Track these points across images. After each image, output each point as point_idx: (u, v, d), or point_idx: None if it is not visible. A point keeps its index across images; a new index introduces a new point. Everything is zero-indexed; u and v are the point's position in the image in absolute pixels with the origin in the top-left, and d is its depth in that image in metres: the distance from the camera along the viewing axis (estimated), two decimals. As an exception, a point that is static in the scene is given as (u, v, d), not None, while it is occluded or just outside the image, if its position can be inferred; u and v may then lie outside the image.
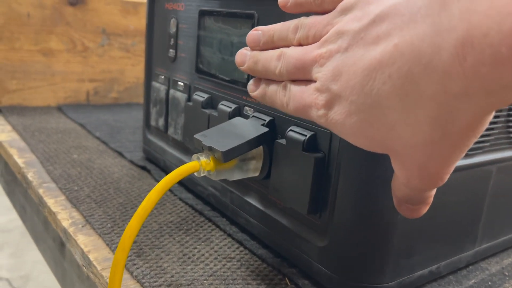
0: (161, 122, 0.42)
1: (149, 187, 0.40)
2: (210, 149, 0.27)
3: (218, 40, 0.33)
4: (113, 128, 0.57)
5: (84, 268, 0.30)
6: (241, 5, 0.31)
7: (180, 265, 0.28)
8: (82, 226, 0.33)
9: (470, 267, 0.31)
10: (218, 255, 0.30)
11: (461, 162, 0.26)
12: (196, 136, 0.28)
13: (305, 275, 0.28)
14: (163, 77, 0.41)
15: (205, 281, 0.27)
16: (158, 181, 0.41)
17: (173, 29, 0.39)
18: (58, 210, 0.35)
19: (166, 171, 0.42)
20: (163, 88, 0.41)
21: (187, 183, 0.39)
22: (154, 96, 0.43)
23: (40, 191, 0.38)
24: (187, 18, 0.37)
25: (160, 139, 0.43)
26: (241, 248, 0.31)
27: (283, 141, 0.27)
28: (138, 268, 0.28)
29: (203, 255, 0.30)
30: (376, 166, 0.24)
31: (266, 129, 0.28)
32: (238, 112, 0.32)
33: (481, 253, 0.31)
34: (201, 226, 0.34)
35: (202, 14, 0.35)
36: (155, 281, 0.26)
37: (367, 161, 0.24)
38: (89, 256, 0.29)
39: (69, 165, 0.43)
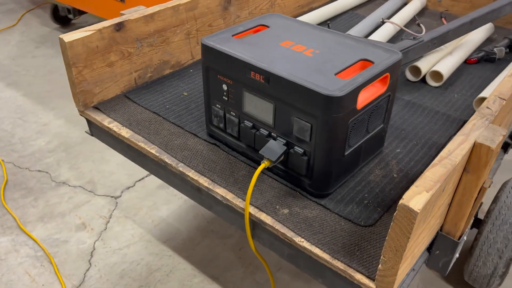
0: (221, 125, 0.89)
1: (226, 160, 0.89)
2: (268, 159, 0.76)
3: (255, 101, 0.79)
4: (173, 112, 1.01)
5: (223, 201, 0.81)
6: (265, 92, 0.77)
7: (261, 195, 0.81)
8: (214, 184, 0.83)
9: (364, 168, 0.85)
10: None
11: (352, 147, 0.78)
12: (260, 152, 0.77)
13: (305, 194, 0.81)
14: (220, 106, 0.87)
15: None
16: (225, 152, 0.90)
17: (225, 88, 0.83)
18: (196, 178, 0.84)
19: (228, 146, 0.90)
20: (221, 111, 0.87)
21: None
22: (214, 113, 0.88)
23: (180, 169, 0.86)
24: (234, 87, 0.82)
25: (220, 131, 0.90)
26: (283, 184, 0.83)
27: (292, 151, 0.77)
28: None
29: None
30: (328, 154, 0.75)
31: (285, 148, 0.77)
32: (269, 135, 0.80)
33: (364, 165, 0.85)
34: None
35: (245, 92, 0.80)
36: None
37: (327, 147, 0.74)
38: (227, 197, 0.80)
39: (178, 149, 0.90)
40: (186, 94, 1.08)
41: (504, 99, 0.76)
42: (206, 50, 0.83)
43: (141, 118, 1.00)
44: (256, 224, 0.79)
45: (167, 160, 0.88)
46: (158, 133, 0.95)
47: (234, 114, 0.85)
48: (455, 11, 1.53)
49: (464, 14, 1.52)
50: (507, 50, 1.25)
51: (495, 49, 1.23)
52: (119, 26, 1.02)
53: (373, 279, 0.66)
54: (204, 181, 0.84)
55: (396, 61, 0.77)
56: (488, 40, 1.36)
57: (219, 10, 1.24)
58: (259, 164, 0.86)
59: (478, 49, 1.28)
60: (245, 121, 0.83)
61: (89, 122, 1.05)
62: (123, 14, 1.07)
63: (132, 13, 1.05)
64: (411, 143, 0.93)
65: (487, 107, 0.74)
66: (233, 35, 0.86)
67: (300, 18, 1.39)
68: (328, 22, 1.27)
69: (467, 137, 0.67)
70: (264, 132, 0.81)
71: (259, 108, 0.79)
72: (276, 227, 0.74)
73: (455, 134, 0.96)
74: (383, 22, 1.39)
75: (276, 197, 0.80)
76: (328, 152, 0.74)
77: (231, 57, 0.78)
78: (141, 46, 1.08)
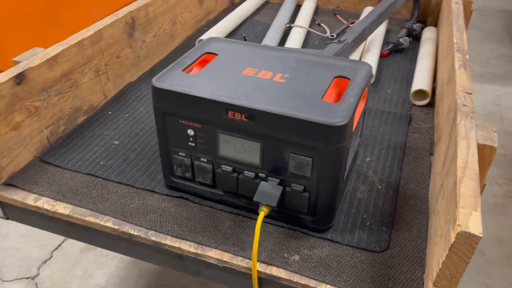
0: (188, 175, 0.76)
1: (202, 214, 0.76)
2: (266, 204, 0.67)
3: (234, 141, 0.69)
4: (111, 168, 0.85)
5: (219, 265, 0.69)
6: (248, 134, 0.67)
7: (260, 246, 0.71)
8: (202, 247, 0.70)
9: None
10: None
11: (347, 171, 0.72)
12: (255, 199, 0.67)
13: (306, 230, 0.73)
14: (184, 154, 0.74)
15: (275, 248, 0.70)
16: (198, 203, 0.77)
17: (191, 134, 0.71)
18: (178, 245, 0.70)
19: (199, 196, 0.78)
20: (187, 160, 0.74)
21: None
22: (178, 163, 0.75)
23: (153, 238, 0.71)
24: (205, 131, 0.70)
25: (186, 181, 0.77)
26: (279, 226, 0.74)
27: (289, 189, 0.69)
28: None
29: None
30: (333, 185, 0.68)
31: (281, 188, 0.68)
32: (257, 177, 0.70)
33: (349, 179, 0.81)
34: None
35: (219, 133, 0.69)
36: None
37: (332, 179, 0.68)
38: (224, 259, 0.68)
39: (140, 214, 0.75)
40: (118, 143, 0.92)
41: (470, 93, 0.78)
42: (161, 94, 0.69)
43: (75, 185, 0.81)
44: (265, 280, 0.69)
45: (132, 232, 0.73)
46: (105, 200, 0.78)
47: (205, 160, 0.73)
48: (345, 7, 1.58)
49: (354, 9, 1.57)
50: (410, 38, 1.32)
51: (400, 40, 1.29)
52: (20, 78, 0.81)
53: (418, 309, 0.61)
54: (188, 247, 0.71)
55: (370, 73, 0.74)
56: (387, 32, 1.42)
57: (125, 38, 1.08)
58: (242, 209, 0.76)
59: (385, 42, 1.33)
60: (223, 166, 0.72)
61: (3, 204, 0.82)
62: (17, 62, 0.85)
63: (30, 59, 0.85)
64: (376, 148, 0.91)
65: (464, 105, 0.74)
66: (183, 70, 0.73)
67: (208, 33, 1.29)
68: (244, 35, 1.20)
69: (469, 141, 0.66)
70: (249, 174, 0.71)
71: (240, 149, 0.69)
72: (295, 280, 0.66)
73: (408, 131, 0.97)
74: (290, 27, 1.36)
75: (278, 243, 0.71)
76: (332, 184, 0.67)
77: (199, 98, 0.66)
78: (48, 97, 0.88)
